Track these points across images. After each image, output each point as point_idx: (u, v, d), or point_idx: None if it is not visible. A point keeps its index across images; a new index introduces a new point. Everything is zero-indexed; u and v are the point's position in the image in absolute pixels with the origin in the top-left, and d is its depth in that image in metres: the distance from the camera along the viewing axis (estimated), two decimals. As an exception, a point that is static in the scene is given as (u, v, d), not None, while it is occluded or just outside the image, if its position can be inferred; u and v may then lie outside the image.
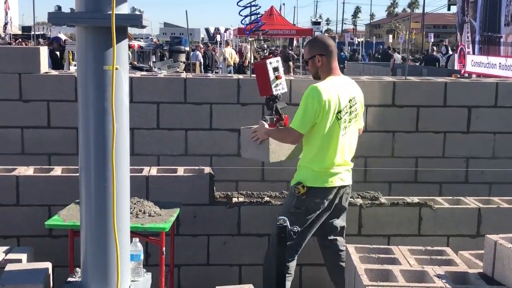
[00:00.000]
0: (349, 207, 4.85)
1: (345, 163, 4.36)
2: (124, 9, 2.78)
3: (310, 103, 4.14)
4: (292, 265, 4.41)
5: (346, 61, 25.12)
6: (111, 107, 2.81)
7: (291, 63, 26.02)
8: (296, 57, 28.53)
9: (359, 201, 4.93)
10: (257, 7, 4.73)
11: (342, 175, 4.35)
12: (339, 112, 4.22)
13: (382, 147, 6.23)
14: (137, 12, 2.78)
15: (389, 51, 27.68)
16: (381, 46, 36.99)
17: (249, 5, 4.65)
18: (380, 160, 6.22)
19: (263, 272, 4.42)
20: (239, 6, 4.61)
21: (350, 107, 4.31)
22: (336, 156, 4.27)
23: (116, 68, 2.81)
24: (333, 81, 4.28)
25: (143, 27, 2.91)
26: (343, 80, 4.39)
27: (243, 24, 4.77)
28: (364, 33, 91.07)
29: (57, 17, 2.76)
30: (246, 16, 4.67)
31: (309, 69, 4.47)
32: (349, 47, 35.72)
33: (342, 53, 27.12)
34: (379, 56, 28.66)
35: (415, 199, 4.96)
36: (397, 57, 24.69)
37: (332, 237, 4.52)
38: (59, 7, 2.78)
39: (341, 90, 4.26)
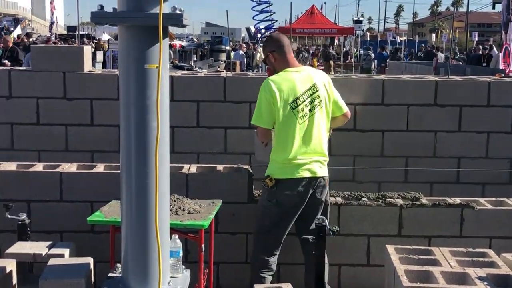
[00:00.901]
0: (390, 207, 4.81)
1: (313, 153, 4.29)
2: (164, 8, 2.81)
3: (263, 96, 4.26)
4: (272, 260, 4.38)
5: (387, 60, 24.84)
6: (152, 106, 2.85)
7: (331, 62, 25.89)
8: (336, 56, 28.37)
9: (400, 201, 4.87)
10: (270, 13, 4.91)
11: (311, 166, 4.27)
12: (294, 101, 4.24)
13: (424, 147, 6.15)
14: (177, 12, 2.80)
15: (433, 50, 27.31)
16: (423, 45, 36.48)
17: (263, 10, 4.84)
18: (421, 160, 6.15)
19: (255, 267, 4.40)
20: (254, 10, 4.80)
21: (311, 94, 4.30)
22: (297, 146, 4.24)
23: (157, 67, 2.85)
24: (286, 73, 4.33)
25: (184, 26, 2.94)
26: (301, 70, 4.40)
27: (255, 28, 4.98)
28: (406, 32, 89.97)
29: (99, 17, 2.80)
30: (260, 22, 4.87)
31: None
32: (392, 46, 35.30)
33: (384, 52, 26.76)
34: (422, 55, 28.30)
35: (457, 200, 4.88)
36: (441, 56, 24.32)
37: (305, 236, 4.46)
38: (102, 7, 2.82)
39: (297, 79, 4.29)
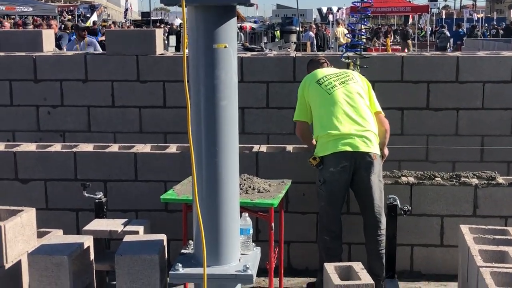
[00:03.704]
0: (464, 187, 4.71)
1: (354, 127, 4.26)
2: (232, -13, 2.83)
3: (298, 92, 4.61)
4: (335, 241, 4.37)
5: (464, 38, 24.07)
6: (221, 85, 2.88)
7: (409, 41, 25.24)
8: (413, 35, 27.67)
9: (475, 181, 4.75)
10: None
11: (352, 141, 4.24)
12: (321, 78, 4.47)
13: (500, 125, 5.94)
14: (244, -10, 2.81)
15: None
16: (503, 23, 35.10)
17: None
18: (498, 138, 5.94)
19: (320, 249, 4.44)
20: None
21: (340, 74, 4.54)
22: (331, 117, 4.28)
23: (225, 47, 2.87)
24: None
25: (251, 5, 2.95)
26: (332, 68, 4.79)
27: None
28: (484, 9, 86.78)
29: (169, -2, 2.84)
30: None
31: None
32: (469, 24, 34.11)
33: (460, 30, 25.91)
34: (502, 33, 27.24)
35: (536, 180, 4.71)
36: (520, 32, 23.32)
37: (365, 216, 4.41)
38: (172, -11, 2.86)
39: (325, 69, 4.65)
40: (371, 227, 4.38)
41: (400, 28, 31.77)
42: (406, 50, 22.60)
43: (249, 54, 6.62)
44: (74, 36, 10.10)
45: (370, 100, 4.52)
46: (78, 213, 4.99)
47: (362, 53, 5.80)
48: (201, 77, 2.91)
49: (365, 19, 5.95)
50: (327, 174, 4.29)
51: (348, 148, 4.23)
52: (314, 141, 4.56)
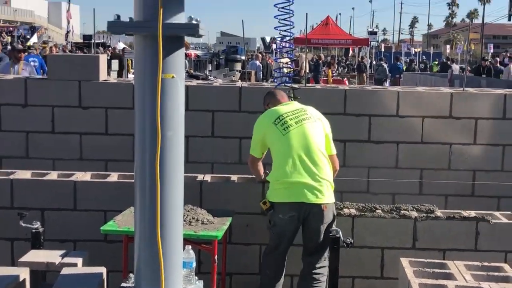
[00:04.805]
0: (404, 219, 4.77)
1: (308, 176, 4.21)
2: (181, 18, 2.82)
3: (254, 129, 4.52)
4: (277, 278, 4.39)
5: (402, 72, 24.74)
6: (167, 115, 2.85)
7: (365, 74, 25.59)
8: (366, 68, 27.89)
9: (414, 213, 4.83)
10: (291, 26, 5.24)
11: (301, 192, 4.20)
12: (277, 118, 4.36)
13: (438, 159, 6.10)
14: (194, 22, 2.81)
15: (448, 62, 27.21)
16: (437, 58, 36.36)
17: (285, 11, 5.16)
18: (436, 172, 6.10)
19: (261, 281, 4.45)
20: (277, 18, 5.12)
21: (297, 112, 4.41)
22: (284, 164, 4.23)
23: (173, 77, 2.85)
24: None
25: (200, 36, 2.94)
26: (290, 104, 4.61)
27: (277, 29, 5.36)
28: (421, 43, 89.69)
29: (116, 26, 2.81)
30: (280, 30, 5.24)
31: None
32: (406, 57, 35.17)
33: (398, 63, 26.67)
34: (439, 67, 28.22)
35: (472, 213, 4.83)
36: (455, 68, 24.19)
37: (303, 260, 4.43)
38: (118, 16, 2.83)
39: (284, 107, 4.49)
40: (305, 269, 4.41)
41: (344, 60, 32.30)
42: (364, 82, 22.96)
43: (195, 82, 6.63)
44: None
45: (327, 140, 4.44)
46: (13, 242, 4.82)
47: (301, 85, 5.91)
48: (147, 108, 2.87)
49: (290, 52, 6.12)
50: (277, 219, 4.30)
51: (297, 199, 4.22)
52: (262, 174, 4.61)
